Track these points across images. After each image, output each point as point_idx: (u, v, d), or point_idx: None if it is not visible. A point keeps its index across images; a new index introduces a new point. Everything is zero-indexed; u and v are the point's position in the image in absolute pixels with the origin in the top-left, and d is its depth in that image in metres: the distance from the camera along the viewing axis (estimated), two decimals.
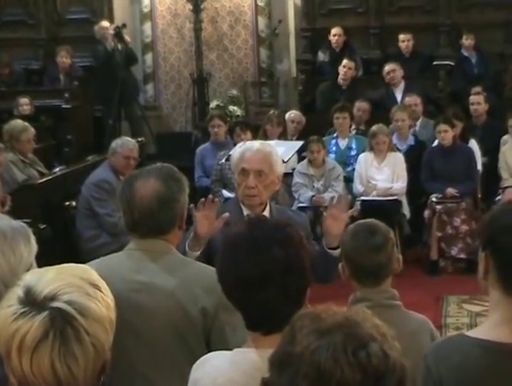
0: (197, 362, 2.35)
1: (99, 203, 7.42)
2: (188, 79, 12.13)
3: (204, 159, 9.37)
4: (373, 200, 8.59)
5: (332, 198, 3.94)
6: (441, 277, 8.40)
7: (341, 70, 10.80)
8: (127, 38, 11.53)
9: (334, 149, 9.46)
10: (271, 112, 9.86)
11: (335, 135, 9.56)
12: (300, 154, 8.95)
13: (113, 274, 2.74)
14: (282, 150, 6.90)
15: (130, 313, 2.83)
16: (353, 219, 3.71)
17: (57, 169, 8.83)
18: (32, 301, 1.70)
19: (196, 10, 11.89)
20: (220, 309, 2.86)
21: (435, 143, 9.01)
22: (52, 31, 12.78)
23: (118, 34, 11.35)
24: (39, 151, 9.37)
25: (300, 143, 8.43)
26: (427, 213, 8.63)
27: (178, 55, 12.72)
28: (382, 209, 7.86)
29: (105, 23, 11.74)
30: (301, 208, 8.14)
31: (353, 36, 11.77)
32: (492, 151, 9.19)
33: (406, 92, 10.28)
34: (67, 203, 7.80)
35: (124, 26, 11.52)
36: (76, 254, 7.23)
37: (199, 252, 3.60)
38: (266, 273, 2.17)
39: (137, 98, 11.86)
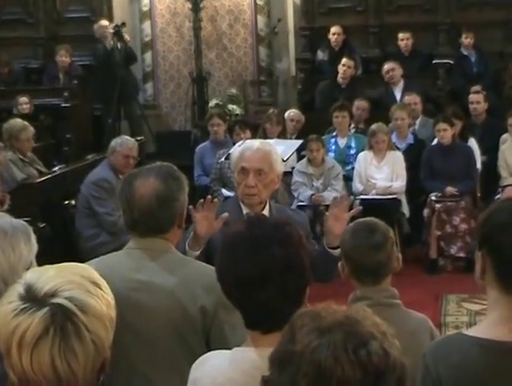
0: (197, 361, 2.35)
1: (98, 201, 7.42)
2: (188, 78, 12.14)
3: (204, 158, 9.37)
4: (372, 199, 8.58)
5: (335, 198, 3.93)
6: (440, 275, 8.41)
7: (341, 69, 10.80)
8: (126, 37, 11.52)
9: (333, 147, 9.46)
10: (271, 110, 9.86)
11: (334, 134, 9.56)
12: (300, 153, 8.95)
13: (112, 273, 2.74)
14: (282, 149, 6.90)
15: (130, 312, 2.83)
16: (352, 217, 3.71)
17: (56, 168, 8.83)
18: (33, 298, 1.70)
19: (196, 8, 11.89)
20: (220, 308, 2.86)
21: (435, 142, 9.00)
22: (52, 30, 12.78)
23: (118, 33, 11.34)
24: (39, 150, 9.38)
25: (299, 142, 8.43)
26: (426, 212, 8.64)
27: (177, 54, 12.72)
28: (382, 208, 7.85)
29: (104, 22, 11.74)
30: (300, 207, 8.14)
31: (353, 35, 11.77)
32: (491, 150, 9.19)
33: (405, 91, 10.28)
34: (66, 202, 7.80)
35: (123, 24, 11.52)
36: (76, 253, 7.24)
37: (199, 252, 3.60)
38: (266, 272, 2.16)
39: (136, 97, 11.86)
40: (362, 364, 1.49)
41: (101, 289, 1.78)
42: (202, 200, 3.64)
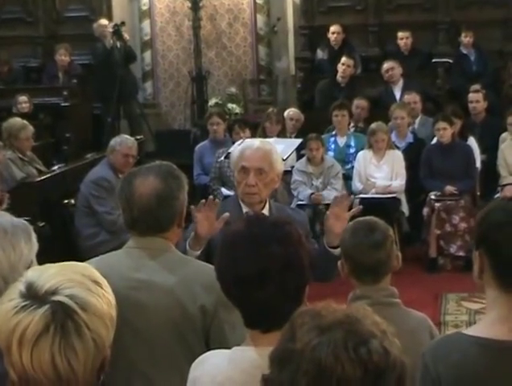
0: (196, 360, 2.35)
1: (98, 200, 7.42)
2: (187, 77, 12.13)
3: (203, 157, 9.37)
4: (372, 198, 8.58)
5: (336, 197, 3.94)
6: (440, 274, 8.41)
7: (340, 68, 10.80)
8: (126, 36, 11.52)
9: (333, 146, 9.46)
10: (270, 109, 9.86)
11: (334, 133, 9.56)
12: (299, 152, 8.95)
13: (112, 272, 2.73)
14: (281, 148, 6.89)
15: (129, 311, 2.82)
16: (352, 216, 3.71)
17: (56, 167, 8.83)
18: (33, 296, 1.70)
19: (195, 7, 11.89)
20: (220, 307, 2.85)
21: (434, 141, 9.00)
22: (51, 29, 12.78)
23: (117, 32, 11.34)
24: (38, 149, 9.38)
25: (299, 141, 8.42)
26: (425, 211, 8.64)
27: (177, 53, 12.71)
28: (381, 207, 7.85)
29: (103, 21, 11.74)
30: (300, 206, 8.14)
31: (352, 34, 11.76)
32: (491, 149, 9.20)
33: (404, 90, 10.28)
34: (66, 201, 7.80)
35: (123, 23, 11.51)
36: (75, 252, 7.25)
37: (199, 252, 3.60)
38: (265, 271, 2.16)
39: (136, 96, 11.86)
40: (362, 362, 1.49)
41: (101, 287, 1.78)
42: (204, 200, 3.64)
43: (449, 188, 8.61)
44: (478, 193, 8.97)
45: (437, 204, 8.57)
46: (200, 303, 2.90)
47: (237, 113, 11.84)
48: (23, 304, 1.69)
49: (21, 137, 8.51)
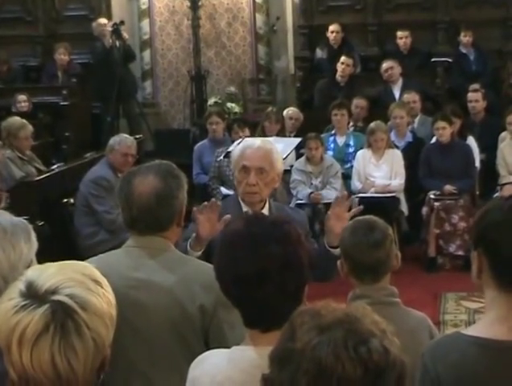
0: (195, 360, 2.35)
1: (97, 200, 7.42)
2: (186, 76, 12.13)
3: (202, 156, 9.37)
4: (371, 197, 8.58)
5: (337, 197, 3.94)
6: (439, 274, 8.41)
7: (339, 67, 10.80)
8: (125, 35, 11.52)
9: (332, 146, 9.46)
10: (269, 109, 9.87)
11: (333, 132, 9.56)
12: (298, 151, 8.95)
13: (111, 271, 2.72)
14: (280, 147, 6.88)
15: (129, 310, 2.82)
16: (352, 216, 3.71)
17: (55, 166, 8.82)
18: (33, 295, 1.70)
19: (194, 7, 11.88)
20: (219, 306, 2.85)
21: (433, 140, 9.00)
22: (50, 28, 12.77)
23: (116, 32, 11.33)
24: (37, 148, 9.38)
25: (298, 140, 8.42)
26: (425, 210, 8.64)
27: (176, 52, 12.71)
28: (380, 206, 7.84)
29: (103, 20, 11.74)
30: (299, 205, 8.14)
31: (351, 33, 11.76)
32: (490, 148, 9.19)
33: (404, 89, 10.28)
34: (65, 200, 7.79)
35: (122, 23, 11.51)
36: (75, 251, 7.24)
37: (200, 252, 3.61)
38: (264, 270, 2.16)
39: (135, 95, 11.85)
40: (363, 362, 1.49)
41: (101, 287, 1.78)
42: (206, 202, 3.64)
43: (448, 187, 8.61)
44: (477, 192, 8.97)
45: (436, 203, 8.57)
46: (200, 303, 2.90)
47: (236, 113, 11.84)
48: (23, 303, 1.69)
49: (20, 137, 8.51)
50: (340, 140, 9.51)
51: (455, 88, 10.86)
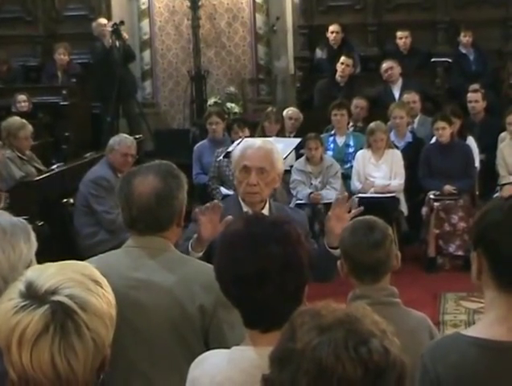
0: (195, 360, 2.35)
1: (97, 200, 7.42)
2: (186, 76, 12.13)
3: (202, 156, 9.37)
4: (370, 197, 8.58)
5: (338, 198, 3.94)
6: (439, 274, 8.41)
7: (339, 67, 10.80)
8: (125, 35, 11.52)
9: (332, 146, 9.46)
10: (269, 109, 9.86)
11: (333, 132, 9.56)
12: (298, 151, 8.94)
13: (111, 271, 2.72)
14: (280, 147, 6.87)
15: (128, 310, 2.82)
16: (352, 217, 3.71)
17: (55, 166, 8.81)
18: (33, 295, 1.70)
19: (194, 7, 11.88)
20: (219, 306, 2.85)
21: (433, 140, 9.00)
22: (50, 28, 12.77)
23: (116, 32, 11.33)
24: (37, 148, 9.39)
25: (298, 140, 8.41)
26: (424, 210, 8.63)
27: (176, 52, 12.71)
28: (380, 206, 7.84)
29: (102, 20, 11.74)
30: (299, 205, 8.14)
31: (351, 33, 11.76)
32: (490, 148, 9.19)
33: (403, 89, 10.28)
34: (65, 200, 7.79)
35: (122, 23, 11.51)
36: (74, 251, 7.24)
37: (201, 253, 3.61)
38: (264, 271, 2.16)
39: (135, 95, 11.85)
40: (363, 362, 1.49)
41: (101, 287, 1.78)
42: (208, 204, 3.65)
43: (448, 188, 8.61)
44: (477, 192, 8.97)
45: (436, 204, 8.57)
46: (199, 303, 2.90)
47: (236, 113, 11.84)
48: (23, 304, 1.69)
49: (20, 136, 8.51)
50: (340, 140, 9.51)
51: (455, 89, 10.86)
